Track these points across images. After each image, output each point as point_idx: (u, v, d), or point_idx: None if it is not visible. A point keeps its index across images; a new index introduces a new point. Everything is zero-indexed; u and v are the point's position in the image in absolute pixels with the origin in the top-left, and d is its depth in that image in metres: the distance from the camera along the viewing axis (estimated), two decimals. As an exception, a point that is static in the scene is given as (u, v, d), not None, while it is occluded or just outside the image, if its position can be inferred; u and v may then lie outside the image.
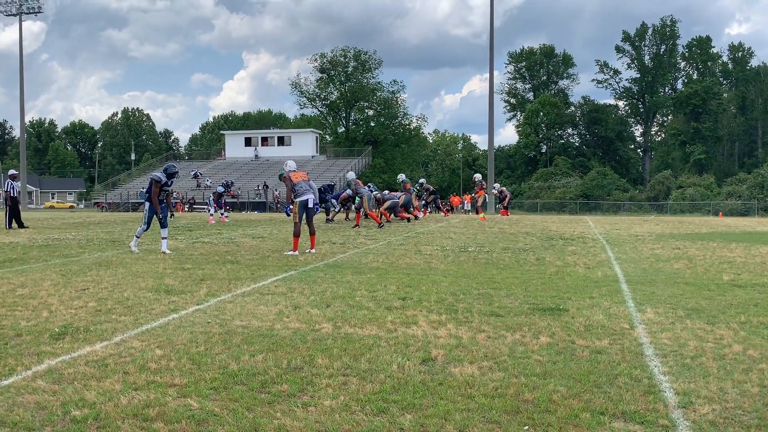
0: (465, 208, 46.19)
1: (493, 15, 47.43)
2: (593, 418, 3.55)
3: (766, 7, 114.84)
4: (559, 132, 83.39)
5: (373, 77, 79.10)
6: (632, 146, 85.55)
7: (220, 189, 24.21)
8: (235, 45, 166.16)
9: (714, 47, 79.72)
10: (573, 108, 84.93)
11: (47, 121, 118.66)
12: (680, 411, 3.64)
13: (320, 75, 78.35)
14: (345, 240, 14.24)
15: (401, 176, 25.45)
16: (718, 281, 8.41)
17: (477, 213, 23.45)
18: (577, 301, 6.85)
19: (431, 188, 26.82)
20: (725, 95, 75.83)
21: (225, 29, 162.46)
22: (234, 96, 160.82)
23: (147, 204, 11.64)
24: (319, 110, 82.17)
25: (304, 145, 62.50)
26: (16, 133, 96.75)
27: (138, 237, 11.95)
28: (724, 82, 79.67)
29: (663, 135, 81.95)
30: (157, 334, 5.30)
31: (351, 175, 20.77)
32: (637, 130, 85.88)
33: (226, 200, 24.89)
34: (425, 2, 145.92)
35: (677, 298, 7.09)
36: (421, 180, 26.75)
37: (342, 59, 77.92)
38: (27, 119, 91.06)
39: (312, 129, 69.23)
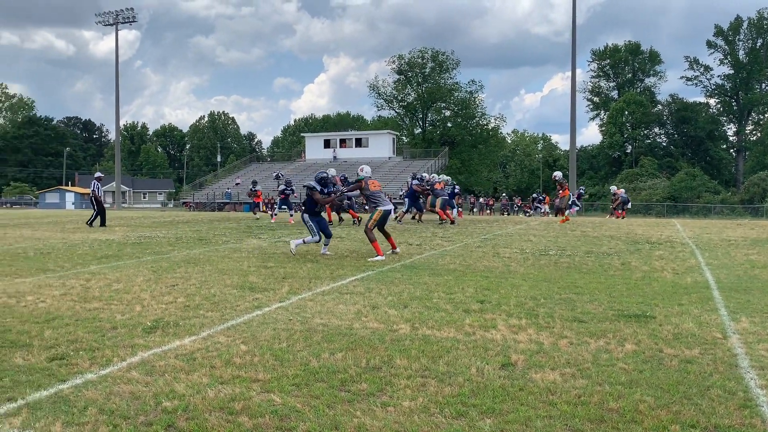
0: (545, 210, 45.18)
1: (576, 12, 46.19)
2: (683, 430, 3.39)
3: None
4: (645, 131, 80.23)
5: (451, 78, 78.70)
6: (724, 146, 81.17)
7: (286, 189, 24.26)
8: (315, 49, 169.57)
9: (817, 40, 74.53)
10: (660, 106, 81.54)
11: (140, 124, 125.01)
12: (780, 428, 3.43)
13: (398, 77, 78.70)
14: (422, 241, 14.24)
15: (425, 175, 24.22)
16: (822, 290, 7.84)
17: (557, 215, 21.69)
18: (664, 308, 6.57)
19: (455, 187, 24.38)
20: (830, 91, 70.79)
21: (306, 34, 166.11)
22: (314, 99, 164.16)
23: (305, 215, 11.27)
24: (396, 111, 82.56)
25: (381, 146, 62.96)
26: (112, 136, 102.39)
27: (305, 243, 11.39)
28: (829, 76, 74.36)
29: (759, 134, 77.30)
30: (241, 330, 5.48)
31: (332, 171, 20.82)
32: (730, 129, 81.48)
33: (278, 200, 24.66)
34: (505, 1, 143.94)
35: (776, 308, 6.67)
36: (423, 175, 24.54)
37: (420, 60, 77.96)
38: (122, 123, 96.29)
39: (389, 130, 69.59)
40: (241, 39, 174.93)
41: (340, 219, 22.43)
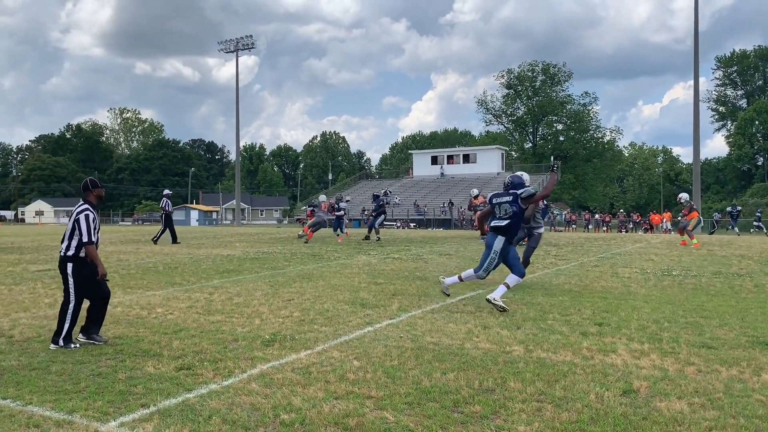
0: (666, 227, 42.75)
1: (698, 17, 43.66)
2: (835, 474, 3.06)
3: None
4: (779, 142, 74.09)
5: (563, 90, 76.68)
6: None
7: (342, 205, 23.03)
8: (423, 67, 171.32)
9: None
10: (797, 114, 75.02)
11: (257, 145, 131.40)
12: None
13: (507, 91, 77.72)
14: (534, 260, 13.89)
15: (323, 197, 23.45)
16: None
17: (682, 234, 19.55)
18: (807, 336, 5.99)
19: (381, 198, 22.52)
20: None
21: (414, 53, 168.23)
22: (422, 116, 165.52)
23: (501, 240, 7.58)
24: (505, 126, 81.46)
25: (489, 162, 62.20)
26: (233, 156, 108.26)
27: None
28: None
29: None
30: (354, 346, 5.57)
31: (322, 197, 22.33)
32: None
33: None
34: (619, 10, 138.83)
35: None
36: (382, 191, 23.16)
37: (530, 74, 76.60)
38: (241, 144, 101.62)
39: (498, 145, 68.68)
40: (352, 60, 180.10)
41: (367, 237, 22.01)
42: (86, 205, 5.73)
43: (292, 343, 5.70)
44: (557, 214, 53.51)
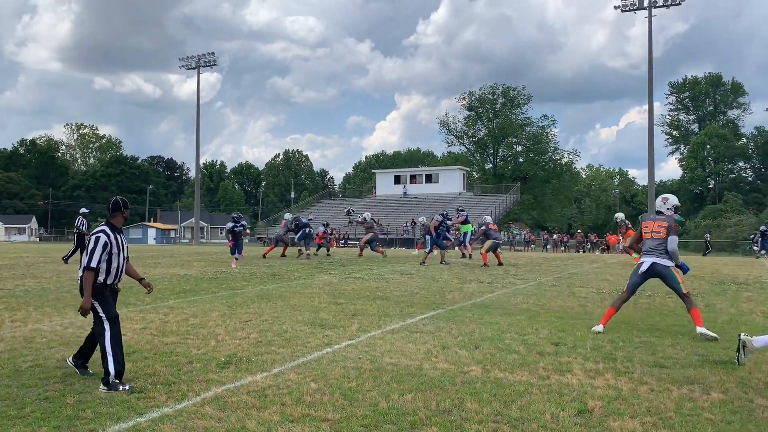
0: (621, 247, 43.72)
1: (652, 44, 45.16)
2: (780, 491, 3.14)
3: None
4: (729, 166, 76.79)
5: (522, 113, 78.14)
6: (818, 180, 76.55)
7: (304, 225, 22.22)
8: (387, 88, 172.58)
9: None
10: (745, 140, 78.01)
11: (218, 162, 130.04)
12: None
13: (468, 113, 78.84)
14: (493, 279, 14.02)
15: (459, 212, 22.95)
16: None
17: (630, 254, 20.00)
18: (757, 356, 6.16)
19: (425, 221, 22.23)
20: None
21: (379, 73, 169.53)
22: (385, 136, 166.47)
23: None
24: (466, 147, 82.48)
25: (451, 182, 62.81)
26: (193, 174, 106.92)
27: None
28: None
29: None
30: (312, 368, 5.51)
31: (288, 216, 22.89)
32: (824, 163, 76.88)
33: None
34: (579, 36, 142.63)
35: None
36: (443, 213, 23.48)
37: (490, 96, 77.87)
38: (201, 161, 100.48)
39: (459, 166, 69.47)
40: (316, 79, 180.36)
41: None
42: (104, 227, 5.18)
43: (249, 365, 5.61)
44: (516, 234, 54.24)
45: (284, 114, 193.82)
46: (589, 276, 15.36)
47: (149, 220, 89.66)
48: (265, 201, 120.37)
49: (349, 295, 10.94)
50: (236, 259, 19.15)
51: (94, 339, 5.22)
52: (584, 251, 46.30)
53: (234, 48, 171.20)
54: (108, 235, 5.11)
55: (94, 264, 5.00)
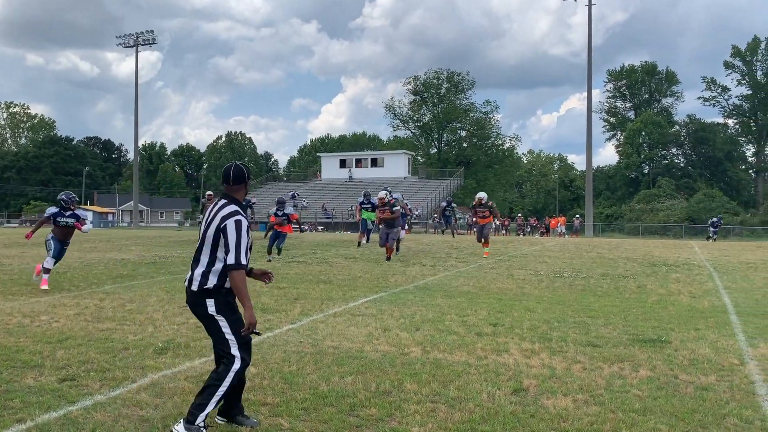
0: (561, 230, 44.92)
1: (591, 32, 46.26)
2: (698, 461, 3.32)
3: None
4: (663, 152, 79.65)
5: (466, 98, 78.96)
6: (743, 167, 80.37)
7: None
8: (333, 70, 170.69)
9: (838, 59, 73.95)
10: (677, 127, 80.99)
11: (158, 144, 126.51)
12: (799, 459, 3.34)
13: (413, 97, 79.11)
14: (435, 262, 14.19)
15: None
16: (843, 315, 7.68)
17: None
18: (680, 333, 6.47)
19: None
20: None
21: (325, 55, 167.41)
22: (331, 119, 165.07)
23: None
24: (412, 132, 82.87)
25: (396, 166, 63.04)
26: (131, 155, 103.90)
27: None
28: None
29: (778, 155, 76.57)
30: (251, 352, 5.45)
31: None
32: (749, 150, 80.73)
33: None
34: (522, 23, 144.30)
35: (795, 333, 6.54)
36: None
37: (435, 81, 78.33)
38: (141, 143, 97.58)
39: (405, 150, 69.76)
40: (261, 60, 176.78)
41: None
42: (235, 207, 3.68)
43: (187, 350, 5.52)
44: (459, 218, 54.95)
45: (227, 95, 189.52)
46: (527, 258, 15.74)
47: (85, 204, 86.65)
48: (207, 184, 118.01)
49: (292, 279, 10.88)
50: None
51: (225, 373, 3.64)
52: (524, 234, 47.35)
53: (175, 26, 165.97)
54: (245, 217, 3.70)
55: (244, 260, 3.59)
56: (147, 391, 4.34)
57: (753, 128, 78.27)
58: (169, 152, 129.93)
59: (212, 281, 3.61)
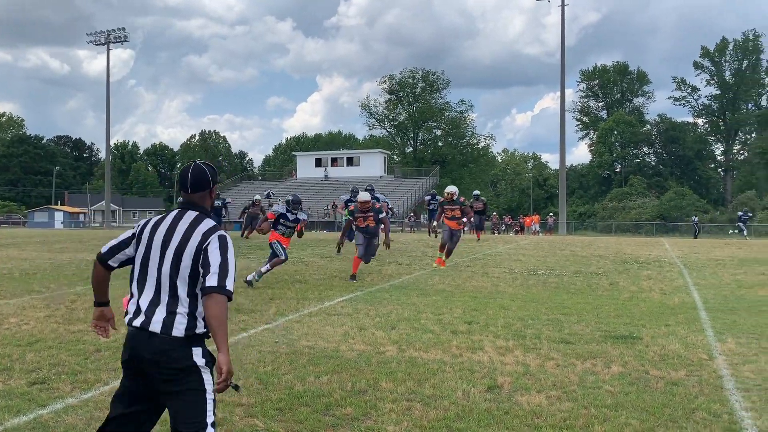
0: (536, 228, 45.35)
1: (565, 33, 46.77)
2: (668, 455, 3.38)
3: None
4: (635, 151, 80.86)
5: (441, 97, 79.30)
6: (712, 165, 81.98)
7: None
8: (309, 69, 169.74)
9: (802, 61, 75.73)
10: (649, 126, 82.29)
11: (130, 143, 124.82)
12: (764, 451, 3.42)
13: (389, 96, 79.22)
14: (411, 261, 14.23)
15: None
16: (807, 310, 7.88)
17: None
18: (651, 329, 6.58)
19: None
20: (815, 111, 71.78)
21: (300, 53, 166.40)
22: (307, 118, 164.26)
23: None
24: (387, 131, 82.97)
25: (372, 165, 63.04)
26: (103, 154, 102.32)
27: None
28: (814, 97, 75.47)
29: (746, 154, 78.19)
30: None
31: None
32: (718, 149, 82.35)
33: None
34: (497, 22, 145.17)
35: (762, 328, 6.70)
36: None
37: (410, 80, 78.53)
38: (112, 142, 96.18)
39: (380, 149, 69.83)
40: (235, 58, 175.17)
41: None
42: (211, 220, 2.80)
43: (161, 351, 5.46)
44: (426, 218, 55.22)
45: (201, 93, 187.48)
46: (502, 257, 15.86)
47: (56, 204, 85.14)
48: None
49: (267, 279, 10.82)
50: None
51: None
52: (499, 233, 47.71)
53: (148, 24, 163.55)
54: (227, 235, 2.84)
55: (231, 285, 2.66)
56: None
57: (722, 127, 79.82)
58: (141, 151, 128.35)
59: (202, 324, 2.67)
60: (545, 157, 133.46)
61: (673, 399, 4.29)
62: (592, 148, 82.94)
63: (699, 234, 41.36)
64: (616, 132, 77.88)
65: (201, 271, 2.64)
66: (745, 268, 13.39)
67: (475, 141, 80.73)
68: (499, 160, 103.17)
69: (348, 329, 6.43)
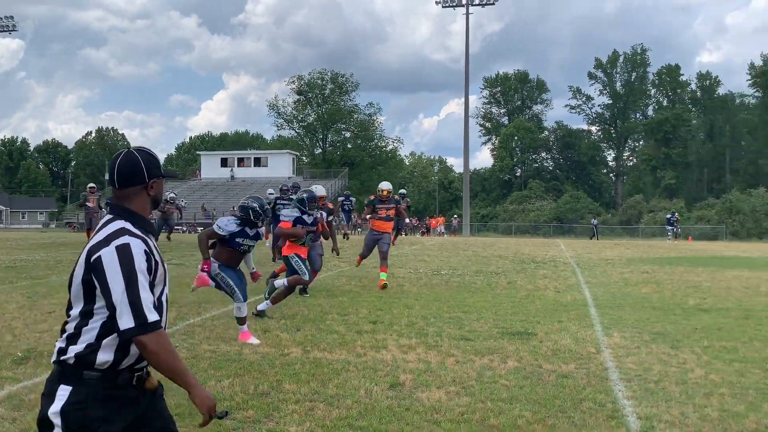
0: (441, 230, 46.40)
1: (469, 40, 48.19)
2: (556, 443, 3.58)
3: (735, 36, 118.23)
4: (534, 156, 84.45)
5: (350, 100, 79.63)
6: (605, 171, 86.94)
7: None
8: (214, 66, 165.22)
9: (683, 75, 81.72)
10: (547, 132, 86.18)
11: (19, 139, 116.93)
12: (642, 436, 3.70)
13: (297, 97, 78.64)
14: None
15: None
16: (683, 305, 8.56)
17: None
18: (545, 325, 6.92)
19: None
20: (694, 122, 77.64)
21: (205, 50, 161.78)
22: (212, 117, 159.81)
23: None
24: (296, 132, 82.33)
25: (280, 166, 62.33)
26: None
27: None
28: (693, 109, 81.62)
29: (635, 160, 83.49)
30: None
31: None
32: (610, 155, 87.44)
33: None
34: (405, 27, 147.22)
35: (644, 323, 7.20)
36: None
37: (319, 81, 78.34)
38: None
39: (289, 150, 69.21)
40: (136, 53, 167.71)
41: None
42: (122, 223, 2.12)
43: (49, 360, 5.17)
44: (340, 219, 55.29)
45: (98, 88, 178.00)
46: (408, 257, 16.14)
47: (-68, 203, 78.37)
48: (75, 183, 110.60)
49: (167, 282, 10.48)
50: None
51: None
52: (405, 234, 48.45)
53: (40, 13, 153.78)
54: (144, 240, 2.13)
55: (153, 313, 2.04)
56: (4, 404, 4.04)
57: (613, 135, 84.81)
58: (32, 148, 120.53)
59: (83, 347, 2.04)
60: (450, 160, 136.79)
61: (563, 391, 4.54)
62: (494, 152, 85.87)
63: (597, 236, 43.65)
64: (516, 138, 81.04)
65: (98, 297, 2.03)
66: (632, 267, 14.33)
67: (383, 144, 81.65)
68: (407, 163, 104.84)
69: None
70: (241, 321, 6.04)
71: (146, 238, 2.13)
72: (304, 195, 7.81)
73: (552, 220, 58.84)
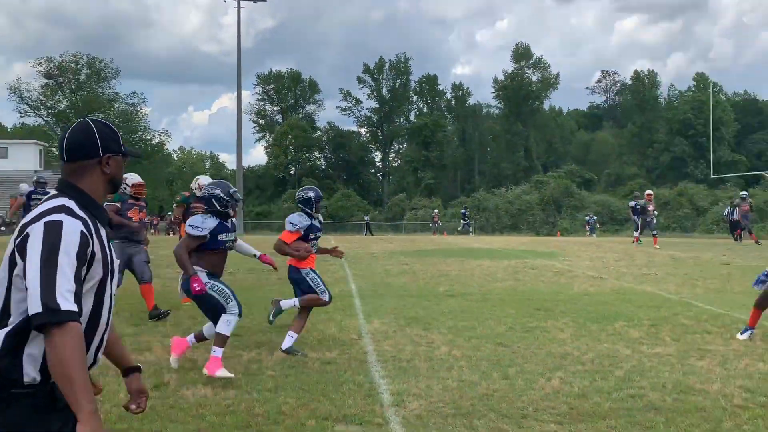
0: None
1: (241, 34, 47.60)
2: (318, 424, 3.83)
3: (484, 51, 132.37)
4: (307, 155, 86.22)
5: (110, 87, 73.80)
6: (373, 171, 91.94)
7: None
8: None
9: (440, 85, 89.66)
10: (319, 132, 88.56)
11: None
12: (393, 409, 4.10)
13: (46, 81, 70.72)
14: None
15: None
16: (435, 292, 9.50)
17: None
18: (312, 317, 7.20)
19: None
20: (449, 128, 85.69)
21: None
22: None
23: None
24: (44, 120, 73.93)
25: (24, 158, 55.44)
26: None
27: None
28: (449, 116, 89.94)
29: (399, 161, 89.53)
30: None
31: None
32: (377, 156, 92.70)
33: None
34: (173, 15, 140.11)
35: (400, 309, 7.87)
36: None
37: (73, 65, 71.30)
38: None
39: (35, 140, 61.93)
40: None
41: None
42: (65, 200, 1.84)
43: None
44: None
45: None
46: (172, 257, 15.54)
47: None
48: None
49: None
50: None
51: None
52: (174, 233, 46.39)
53: None
54: (82, 222, 1.81)
55: (68, 301, 1.69)
56: None
57: (380, 137, 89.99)
58: None
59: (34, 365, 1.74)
60: (223, 156, 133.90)
61: (326, 376, 4.82)
62: (269, 150, 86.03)
63: (371, 231, 46.06)
64: (290, 136, 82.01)
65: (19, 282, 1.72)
66: (393, 260, 15.44)
67: (148, 137, 77.05)
68: (175, 158, 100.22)
69: None
70: (223, 341, 4.81)
71: (90, 222, 1.82)
72: (311, 194, 6.10)
73: (325, 218, 60.68)
